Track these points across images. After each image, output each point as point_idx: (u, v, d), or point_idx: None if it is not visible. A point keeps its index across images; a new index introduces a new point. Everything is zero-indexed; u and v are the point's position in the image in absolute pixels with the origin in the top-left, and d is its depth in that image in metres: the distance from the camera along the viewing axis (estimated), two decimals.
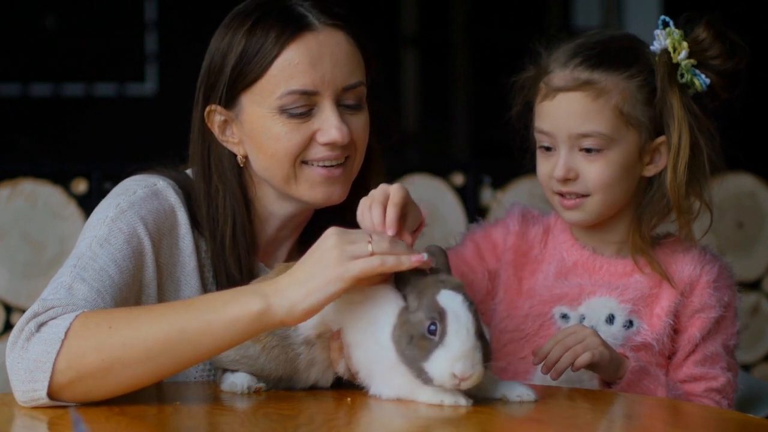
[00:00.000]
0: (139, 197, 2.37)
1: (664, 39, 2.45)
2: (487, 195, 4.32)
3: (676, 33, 2.45)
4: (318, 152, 2.37)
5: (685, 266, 2.50)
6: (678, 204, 2.45)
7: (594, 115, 2.43)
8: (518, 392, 2.12)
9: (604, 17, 5.99)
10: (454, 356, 2.00)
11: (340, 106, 2.37)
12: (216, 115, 2.42)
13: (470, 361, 2.01)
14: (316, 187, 2.40)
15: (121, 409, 2.09)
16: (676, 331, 2.50)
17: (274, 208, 2.47)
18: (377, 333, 2.07)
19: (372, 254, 2.03)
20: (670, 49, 2.45)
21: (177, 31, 5.81)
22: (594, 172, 2.45)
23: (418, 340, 2.02)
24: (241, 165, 2.44)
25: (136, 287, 2.31)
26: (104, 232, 2.31)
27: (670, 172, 2.45)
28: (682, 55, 2.44)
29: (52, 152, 5.67)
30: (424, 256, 2.06)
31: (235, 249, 2.42)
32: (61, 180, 3.84)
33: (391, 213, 2.11)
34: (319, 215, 2.51)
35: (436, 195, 4.26)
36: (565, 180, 2.45)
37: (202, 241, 2.44)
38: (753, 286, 4.44)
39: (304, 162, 2.38)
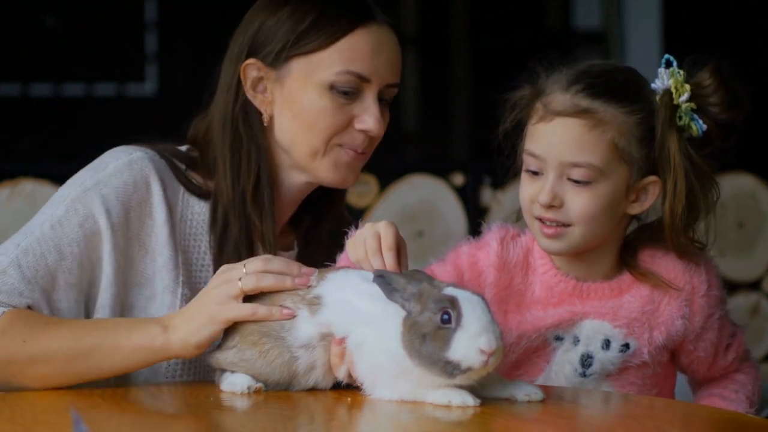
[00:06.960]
0: (108, 173, 2.39)
1: (666, 78, 2.41)
2: (487, 195, 4.32)
3: (680, 74, 2.40)
4: (353, 138, 2.42)
5: (676, 267, 2.48)
6: (678, 247, 2.44)
7: (588, 145, 2.37)
8: (526, 391, 2.11)
9: (604, 18, 5.99)
10: (475, 332, 2.00)
11: (379, 99, 2.44)
12: (253, 70, 2.43)
13: (492, 334, 2.01)
14: (339, 168, 2.44)
15: (121, 408, 2.09)
16: (690, 332, 2.48)
17: (282, 175, 2.48)
18: (384, 342, 2.07)
19: (242, 292, 2.16)
20: (672, 90, 2.40)
21: (177, 31, 5.81)
22: (579, 203, 2.38)
23: (432, 335, 2.02)
24: (266, 125, 2.45)
25: (87, 266, 2.35)
26: (60, 212, 2.36)
27: (667, 218, 2.41)
28: (683, 98, 2.39)
29: (52, 152, 5.67)
30: (310, 281, 2.17)
31: (259, 202, 2.43)
32: (61, 180, 3.83)
33: (390, 260, 2.20)
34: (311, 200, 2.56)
35: (436, 195, 4.27)
36: (549, 206, 2.39)
37: (174, 212, 2.43)
38: (753, 286, 4.45)
39: (338, 145, 2.42)
